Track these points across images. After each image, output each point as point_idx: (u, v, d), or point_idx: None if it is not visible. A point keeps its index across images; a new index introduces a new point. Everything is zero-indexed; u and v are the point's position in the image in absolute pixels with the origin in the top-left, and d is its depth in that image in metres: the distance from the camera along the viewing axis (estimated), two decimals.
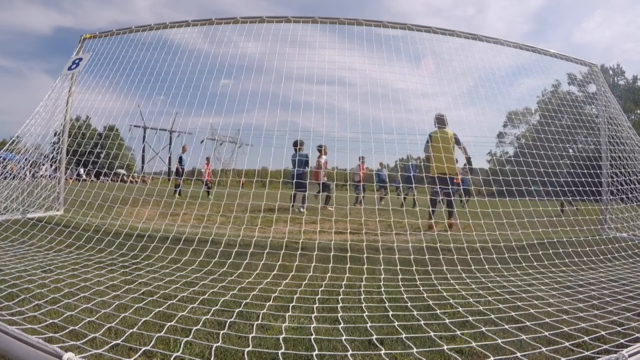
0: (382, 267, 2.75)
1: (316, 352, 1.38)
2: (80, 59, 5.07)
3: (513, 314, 1.84)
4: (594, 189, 4.91)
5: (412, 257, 2.94)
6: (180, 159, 10.85)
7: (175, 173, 10.67)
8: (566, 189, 4.84)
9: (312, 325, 1.64)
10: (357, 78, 4.53)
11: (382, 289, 2.25)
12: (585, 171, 5.12)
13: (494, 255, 3.11)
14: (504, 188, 4.06)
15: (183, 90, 4.60)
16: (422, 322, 1.70)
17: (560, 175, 5.13)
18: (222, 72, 4.61)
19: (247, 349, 1.36)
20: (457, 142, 5.28)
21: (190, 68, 4.70)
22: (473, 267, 2.86)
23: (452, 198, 5.22)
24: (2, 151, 4.72)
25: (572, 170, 5.22)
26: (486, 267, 2.89)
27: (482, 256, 3.04)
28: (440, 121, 5.27)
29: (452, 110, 5.02)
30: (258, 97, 4.17)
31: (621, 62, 52.02)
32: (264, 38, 4.64)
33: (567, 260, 3.23)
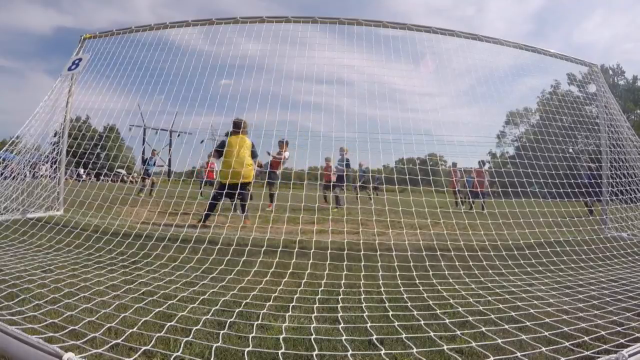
0: (380, 263, 2.75)
1: (316, 352, 1.38)
2: (80, 60, 5.08)
3: (513, 314, 1.84)
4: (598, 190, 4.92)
5: (409, 253, 2.94)
6: (148, 163, 11.32)
7: (145, 173, 11.07)
8: (584, 190, 4.82)
9: (312, 325, 1.64)
10: (356, 78, 4.54)
11: (382, 289, 2.25)
12: (595, 172, 5.13)
13: (492, 253, 3.11)
14: (500, 190, 4.07)
15: (184, 91, 4.61)
16: (422, 322, 1.70)
17: (583, 176, 5.11)
18: (222, 72, 4.63)
19: (247, 349, 1.36)
20: (254, 155, 5.10)
21: (191, 69, 4.72)
22: (471, 263, 2.86)
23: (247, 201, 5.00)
24: (2, 151, 4.72)
25: (594, 172, 5.22)
26: (484, 263, 2.89)
27: (480, 253, 3.04)
28: (237, 125, 4.98)
29: (452, 109, 5.02)
30: (258, 97, 4.19)
31: (621, 62, 52.00)
32: (264, 38, 4.66)
33: (566, 258, 3.22)
